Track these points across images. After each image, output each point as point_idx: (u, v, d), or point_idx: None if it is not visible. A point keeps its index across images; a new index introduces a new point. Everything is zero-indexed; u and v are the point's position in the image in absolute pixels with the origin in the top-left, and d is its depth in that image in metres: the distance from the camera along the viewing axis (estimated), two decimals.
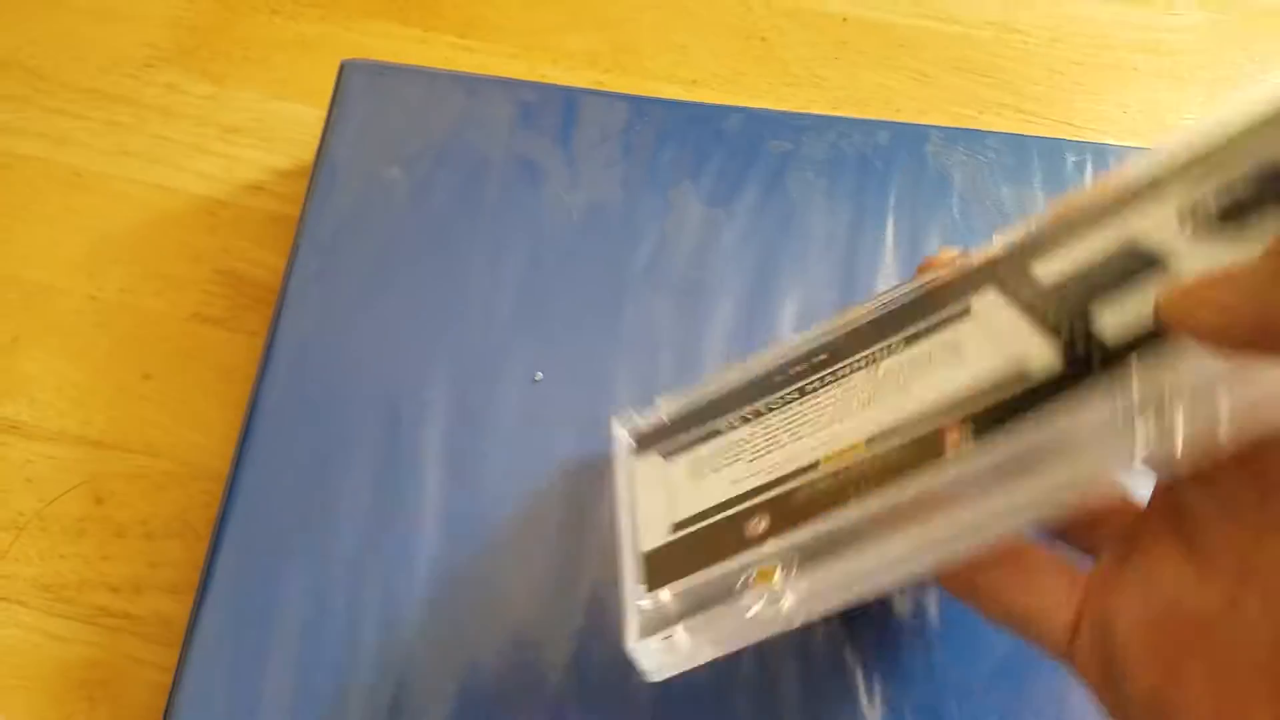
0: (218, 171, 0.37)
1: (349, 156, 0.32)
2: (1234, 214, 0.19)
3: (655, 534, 0.24)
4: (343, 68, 0.33)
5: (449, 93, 0.33)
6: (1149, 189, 0.22)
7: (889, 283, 0.31)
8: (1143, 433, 0.18)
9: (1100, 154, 0.33)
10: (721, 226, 0.32)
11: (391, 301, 0.30)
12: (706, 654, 0.21)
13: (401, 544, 0.27)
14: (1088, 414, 0.18)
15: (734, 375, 0.27)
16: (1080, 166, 0.33)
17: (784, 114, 0.34)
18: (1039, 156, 0.33)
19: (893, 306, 0.25)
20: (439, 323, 0.30)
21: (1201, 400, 0.17)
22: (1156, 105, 0.39)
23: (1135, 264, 0.21)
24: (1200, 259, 0.19)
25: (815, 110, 0.39)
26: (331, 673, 0.26)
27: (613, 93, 0.34)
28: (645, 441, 0.27)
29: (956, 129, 0.33)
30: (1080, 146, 0.33)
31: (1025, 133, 0.38)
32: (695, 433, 0.26)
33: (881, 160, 0.33)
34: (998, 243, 0.24)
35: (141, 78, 0.39)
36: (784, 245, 0.31)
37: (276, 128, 0.38)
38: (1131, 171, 0.22)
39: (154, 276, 0.35)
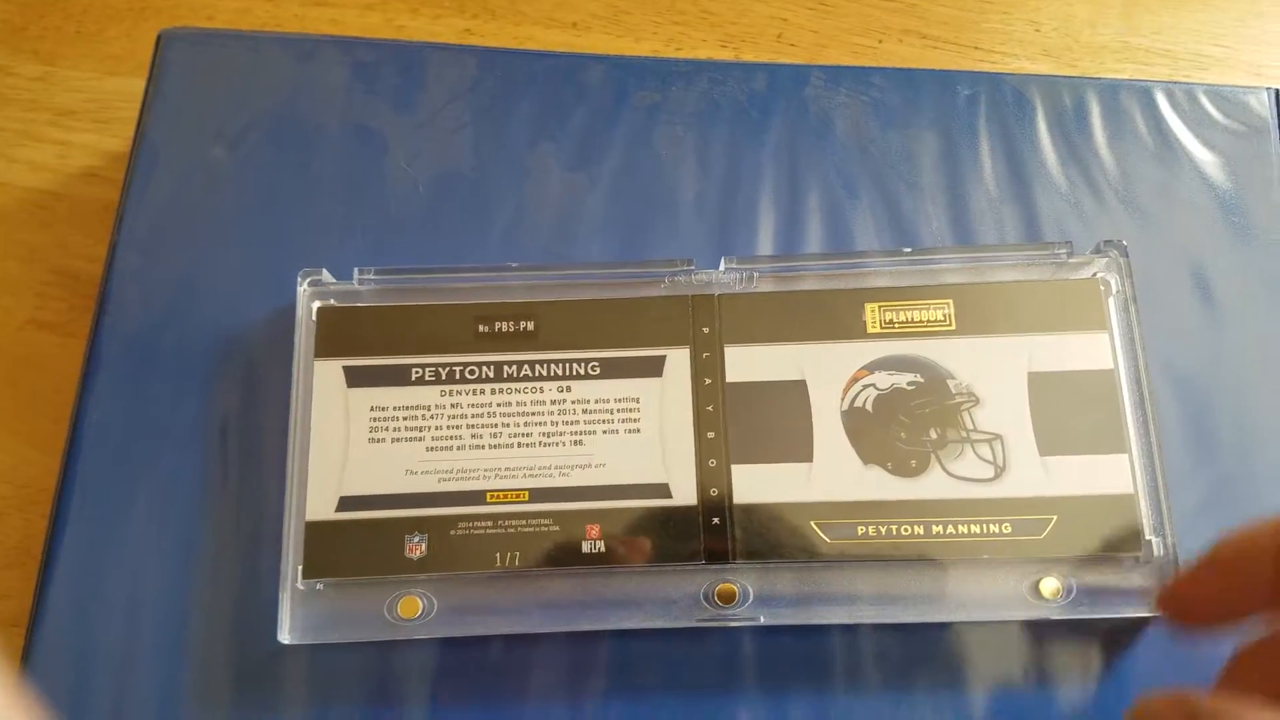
0: (50, 160, 0.34)
1: (168, 137, 0.29)
2: None
3: (322, 502, 0.25)
4: (160, 38, 0.30)
5: (277, 58, 0.30)
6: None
7: (764, 249, 0.28)
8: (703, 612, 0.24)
9: (995, 84, 0.30)
10: (585, 193, 0.29)
11: (221, 296, 0.28)
12: (338, 639, 0.24)
13: (245, 559, 0.25)
14: (681, 582, 0.25)
15: (441, 280, 0.27)
16: (973, 100, 0.30)
17: (650, 60, 0.31)
18: (928, 92, 0.30)
19: (606, 290, 0.27)
20: None
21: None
22: (1071, 20, 0.36)
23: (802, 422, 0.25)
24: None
25: (705, 49, 0.36)
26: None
27: (459, 46, 0.31)
28: (331, 329, 0.26)
29: (840, 67, 0.30)
30: (973, 78, 0.30)
31: (929, 60, 0.35)
32: (384, 360, 0.26)
33: (757, 108, 0.30)
34: (726, 279, 0.27)
35: None
36: (653, 210, 0.29)
37: (111, 107, 0.35)
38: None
39: None
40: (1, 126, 0.34)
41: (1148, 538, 0.24)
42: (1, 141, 0.34)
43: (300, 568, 0.24)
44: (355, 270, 0.26)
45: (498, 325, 0.26)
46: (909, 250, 0.27)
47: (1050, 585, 0.24)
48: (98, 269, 0.32)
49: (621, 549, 0.24)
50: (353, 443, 0.25)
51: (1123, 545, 0.24)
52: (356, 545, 0.24)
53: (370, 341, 0.26)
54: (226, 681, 0.25)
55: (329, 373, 0.25)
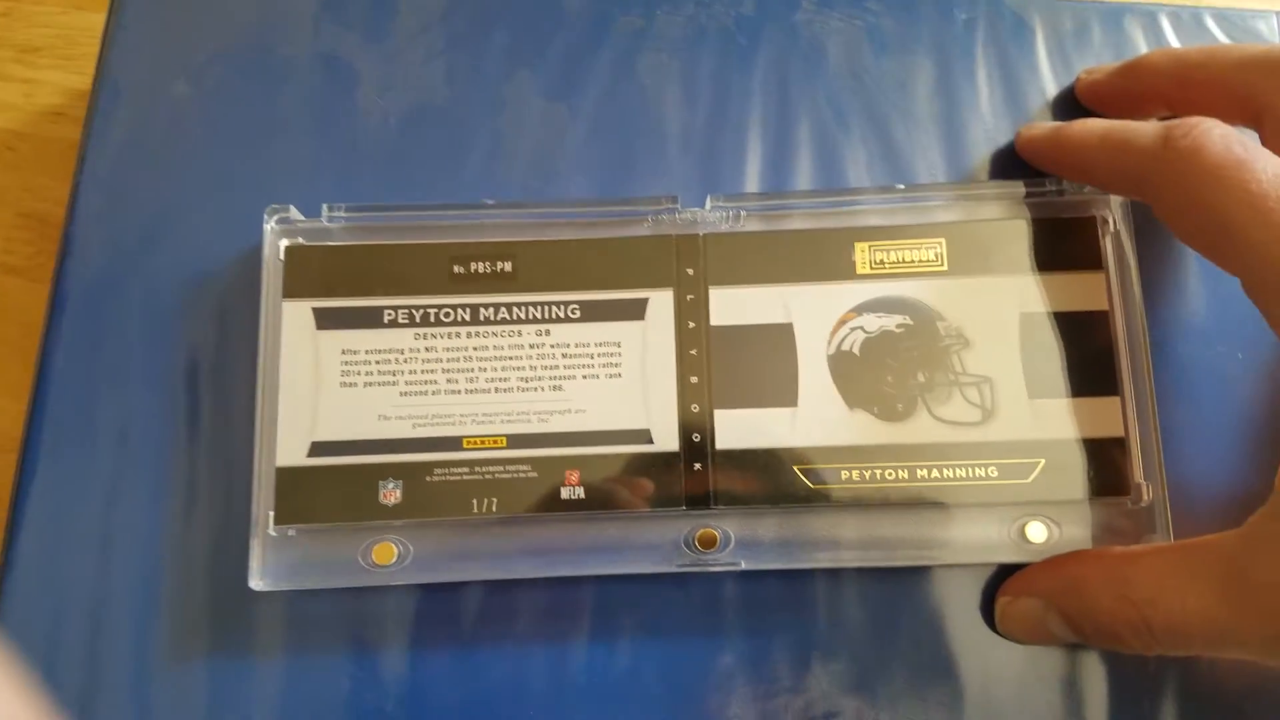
0: (15, 99, 0.33)
1: (130, 73, 0.28)
2: None
3: (293, 447, 0.24)
4: None
5: None
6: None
7: (752, 184, 0.27)
8: (684, 557, 0.24)
9: (994, 8, 0.28)
10: (565, 125, 0.28)
11: (188, 235, 0.27)
12: (312, 585, 0.24)
13: (218, 504, 0.25)
14: (661, 528, 0.24)
15: (414, 217, 0.26)
16: (971, 25, 0.28)
17: None
18: (924, 16, 0.28)
19: (587, 229, 0.25)
20: None
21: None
22: None
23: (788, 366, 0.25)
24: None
25: None
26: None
27: None
28: (299, 268, 0.25)
29: None
30: (972, 1, 0.28)
31: None
32: (355, 302, 0.25)
33: (746, 34, 0.28)
34: (712, 218, 0.26)
35: None
36: (636, 144, 0.27)
37: (77, 43, 0.33)
38: None
39: None
40: None
41: (1138, 481, 0.24)
42: None
43: (272, 514, 0.24)
44: (324, 206, 0.25)
45: (474, 266, 0.25)
46: (901, 187, 0.26)
47: (1036, 529, 0.24)
48: (63, 211, 0.31)
49: (601, 495, 0.24)
50: (323, 387, 0.24)
51: (1112, 489, 0.24)
52: (329, 491, 0.24)
53: (340, 282, 0.25)
54: (202, 626, 0.24)
55: (298, 314, 0.25)
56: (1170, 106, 0.25)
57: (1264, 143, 0.23)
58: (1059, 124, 0.25)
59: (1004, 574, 0.25)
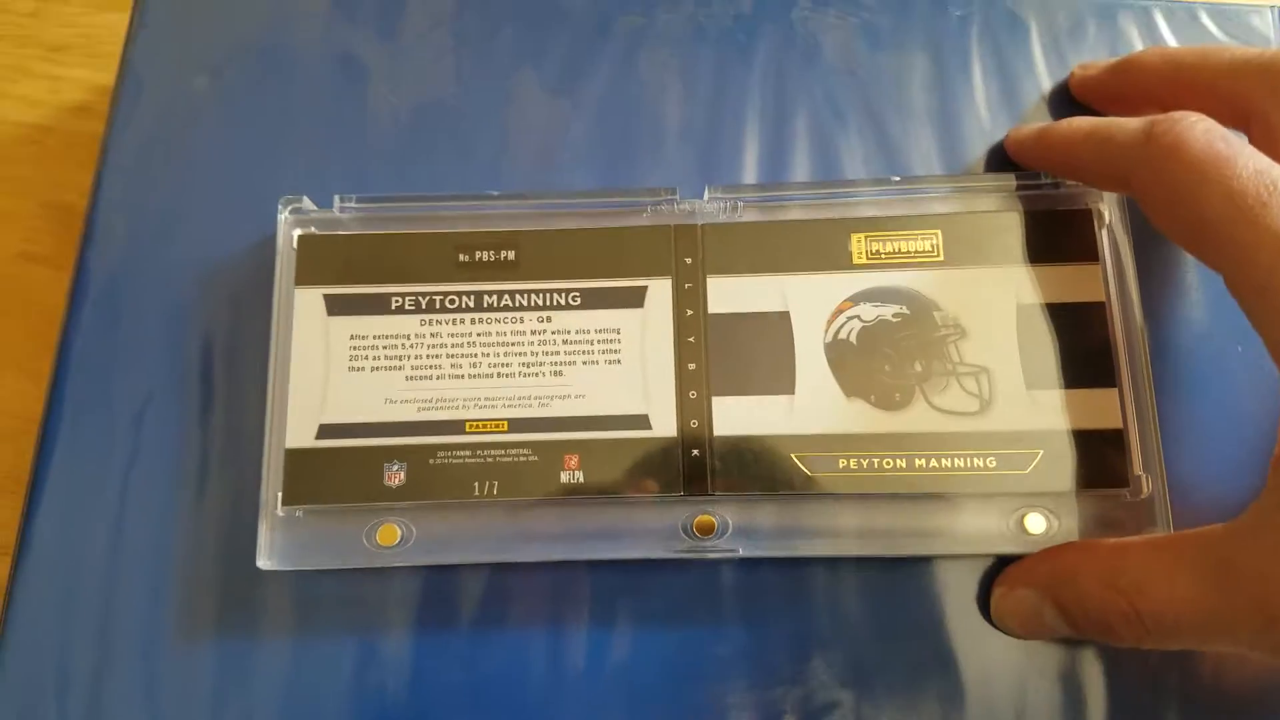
0: (42, 95, 0.34)
1: (152, 68, 0.29)
2: None
3: (302, 430, 0.25)
4: None
5: None
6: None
7: (749, 177, 0.28)
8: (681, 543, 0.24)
9: (988, 4, 0.29)
10: (568, 119, 0.28)
11: (205, 225, 0.27)
12: (317, 565, 0.25)
13: (229, 486, 0.26)
14: (660, 514, 0.24)
15: (422, 208, 0.26)
16: (966, 21, 0.29)
17: None
18: (919, 13, 0.29)
19: (588, 219, 0.26)
20: None
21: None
22: None
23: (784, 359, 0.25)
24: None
25: None
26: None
27: None
28: (311, 256, 0.26)
29: None
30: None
31: None
32: (364, 289, 0.25)
33: (744, 32, 0.29)
34: (709, 208, 0.26)
35: None
36: (637, 137, 0.28)
37: (103, 42, 0.34)
38: None
39: None
40: None
41: (1137, 473, 0.24)
42: None
43: (280, 494, 0.24)
44: (336, 197, 0.26)
45: (478, 254, 0.26)
46: (897, 179, 0.26)
47: (1035, 520, 0.24)
48: (87, 203, 0.32)
49: (600, 479, 0.24)
50: (332, 371, 0.25)
51: (1111, 480, 0.24)
52: (336, 473, 0.24)
53: (350, 270, 0.26)
54: (211, 606, 0.25)
55: (309, 301, 0.25)
56: (1162, 106, 0.25)
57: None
58: (1046, 124, 0.26)
59: (1003, 566, 0.25)
